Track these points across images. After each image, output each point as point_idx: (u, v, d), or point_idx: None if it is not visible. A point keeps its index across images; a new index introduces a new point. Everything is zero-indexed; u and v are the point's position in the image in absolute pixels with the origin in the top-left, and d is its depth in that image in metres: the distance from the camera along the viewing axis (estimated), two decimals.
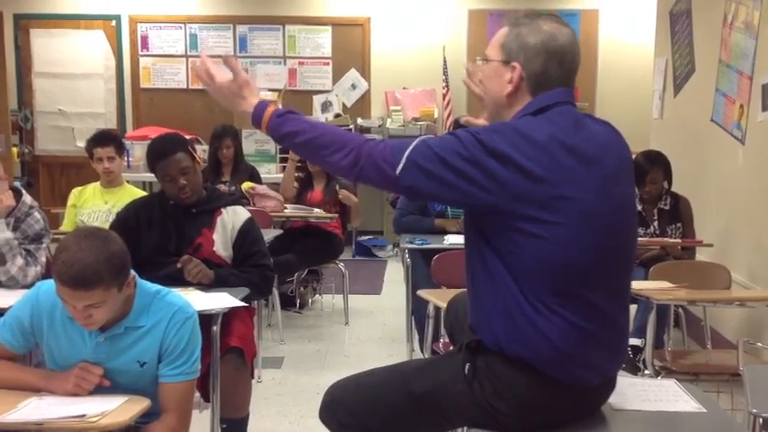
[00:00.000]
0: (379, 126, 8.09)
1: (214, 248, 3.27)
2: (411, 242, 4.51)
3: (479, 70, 2.08)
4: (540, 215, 1.86)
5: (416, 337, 4.47)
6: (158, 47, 8.48)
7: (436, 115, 8.18)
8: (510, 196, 1.86)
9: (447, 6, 8.28)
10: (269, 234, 4.69)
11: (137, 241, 3.15)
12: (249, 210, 3.58)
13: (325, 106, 8.31)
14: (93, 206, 4.47)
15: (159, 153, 3.26)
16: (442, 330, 3.32)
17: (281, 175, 6.92)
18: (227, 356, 3.01)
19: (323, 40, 8.44)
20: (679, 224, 4.77)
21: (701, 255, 4.86)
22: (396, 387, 2.10)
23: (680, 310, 4.34)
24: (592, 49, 8.17)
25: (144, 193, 4.29)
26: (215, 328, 2.89)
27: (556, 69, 1.98)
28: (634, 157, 4.64)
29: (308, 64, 8.47)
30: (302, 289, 5.83)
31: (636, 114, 7.34)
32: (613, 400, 2.12)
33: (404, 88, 8.33)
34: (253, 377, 3.28)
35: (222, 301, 2.98)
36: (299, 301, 5.78)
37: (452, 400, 2.01)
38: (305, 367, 4.60)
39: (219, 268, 3.25)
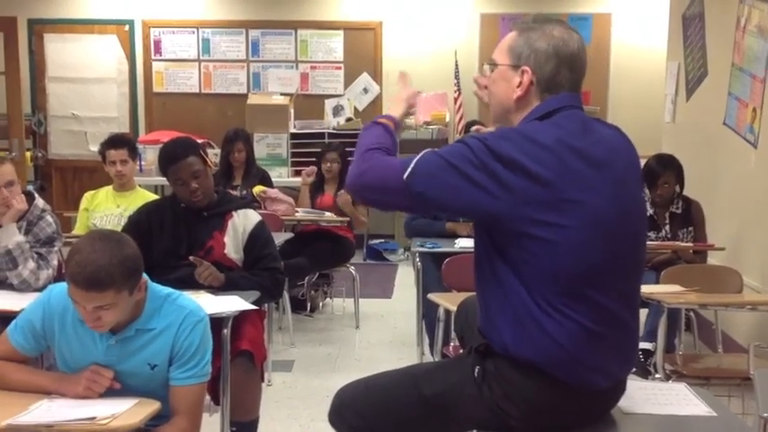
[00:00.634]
0: None
1: (225, 251, 3.29)
2: (422, 246, 4.51)
3: (486, 75, 2.08)
4: (550, 219, 1.86)
5: (427, 340, 4.47)
6: (171, 51, 8.51)
7: (448, 119, 8.18)
8: (519, 201, 1.86)
9: (459, 10, 8.28)
10: (280, 237, 4.70)
11: (148, 244, 3.15)
12: (260, 213, 3.60)
13: (337, 110, 8.32)
14: (106, 210, 4.49)
15: (171, 157, 3.28)
16: (453, 334, 3.32)
17: (293, 179, 6.95)
18: (238, 360, 3.02)
19: (335, 45, 8.46)
20: (691, 228, 4.76)
21: (713, 259, 4.84)
22: (405, 390, 2.11)
23: (691, 313, 4.32)
24: (604, 53, 8.15)
25: (156, 197, 4.31)
26: (225, 331, 2.90)
27: (566, 74, 1.98)
28: (646, 160, 4.71)
29: (320, 68, 8.49)
30: (313, 292, 5.84)
31: (648, 118, 7.32)
32: (623, 403, 2.11)
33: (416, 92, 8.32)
34: (263, 380, 3.30)
35: (233, 304, 2.99)
36: (309, 304, 5.79)
37: (462, 403, 2.02)
38: (315, 371, 4.61)
39: (230, 271, 3.26)
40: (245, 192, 5.58)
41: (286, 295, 4.93)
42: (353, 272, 5.53)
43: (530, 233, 1.87)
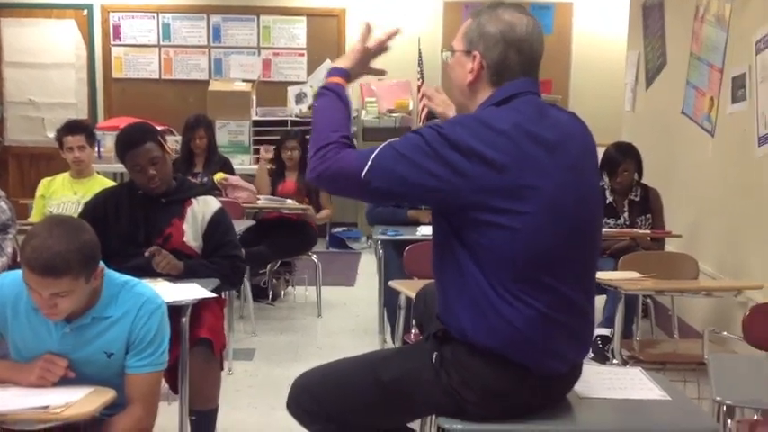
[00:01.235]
0: (354, 118, 8.08)
1: (184, 239, 3.25)
2: (383, 233, 4.51)
3: (448, 61, 2.09)
4: (507, 205, 1.87)
5: (389, 328, 4.48)
6: (131, 36, 8.39)
7: (411, 107, 8.18)
8: (475, 188, 1.86)
9: None
10: (241, 225, 4.67)
11: (105, 231, 3.09)
12: (222, 201, 3.57)
13: (300, 97, 8.27)
14: (63, 197, 4.42)
15: (128, 143, 3.24)
16: (414, 321, 3.33)
17: (255, 167, 6.90)
18: (196, 348, 2.99)
19: (298, 31, 8.41)
20: (649, 215, 4.82)
21: (670, 246, 4.90)
22: (363, 375, 2.11)
23: (648, 300, 4.38)
24: (565, 42, 8.21)
25: (115, 184, 4.25)
26: (184, 319, 2.87)
27: (515, 58, 1.98)
28: (605, 148, 4.73)
29: (283, 55, 8.43)
30: (275, 281, 5.81)
31: (608, 107, 7.38)
32: (579, 387, 2.13)
33: (378, 80, 8.31)
34: (222, 369, 3.27)
35: (191, 292, 2.96)
36: (271, 292, 5.76)
37: (420, 388, 2.02)
38: (277, 359, 4.60)
39: (189, 259, 3.23)
40: (205, 179, 5.53)
41: (247, 283, 4.90)
42: (316, 260, 5.52)
43: (487, 219, 1.88)
